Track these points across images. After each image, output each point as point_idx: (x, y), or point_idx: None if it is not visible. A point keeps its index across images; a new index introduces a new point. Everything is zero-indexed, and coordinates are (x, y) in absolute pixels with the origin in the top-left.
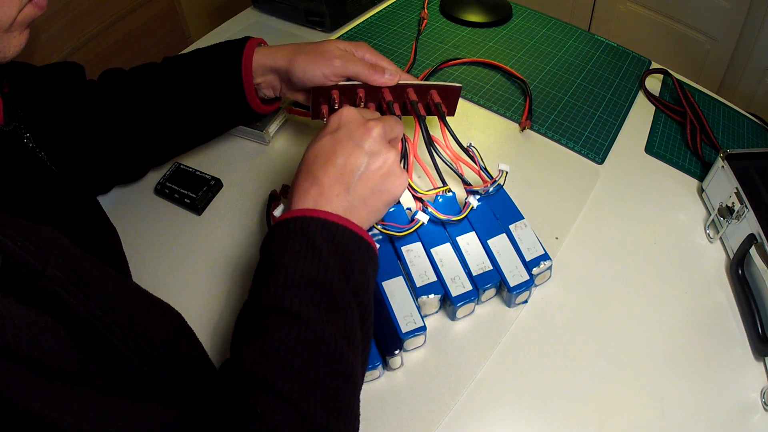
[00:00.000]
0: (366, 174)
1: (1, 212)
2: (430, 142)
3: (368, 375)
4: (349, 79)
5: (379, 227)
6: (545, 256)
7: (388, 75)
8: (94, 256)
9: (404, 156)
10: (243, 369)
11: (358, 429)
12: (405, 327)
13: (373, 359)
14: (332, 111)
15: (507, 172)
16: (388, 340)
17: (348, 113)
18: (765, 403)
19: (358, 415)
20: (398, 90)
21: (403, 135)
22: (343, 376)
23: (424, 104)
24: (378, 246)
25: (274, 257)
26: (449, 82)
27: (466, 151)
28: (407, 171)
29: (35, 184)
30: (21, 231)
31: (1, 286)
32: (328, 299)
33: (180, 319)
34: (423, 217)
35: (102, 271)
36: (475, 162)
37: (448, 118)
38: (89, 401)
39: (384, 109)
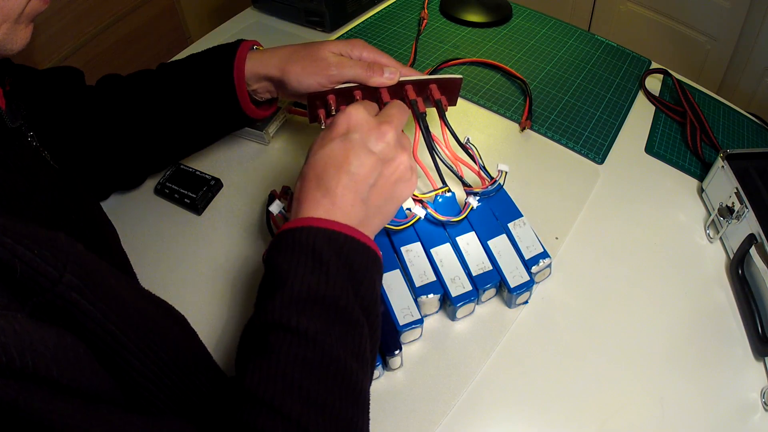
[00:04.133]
0: (380, 182)
1: (16, 220)
2: (431, 144)
3: None
4: (346, 83)
5: None
6: (544, 254)
7: (388, 74)
8: (100, 255)
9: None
10: (248, 390)
11: None
12: (402, 320)
13: None
14: (330, 116)
15: (506, 173)
16: (388, 339)
17: (357, 115)
18: (765, 403)
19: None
20: (397, 87)
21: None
22: (353, 395)
23: (423, 98)
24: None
25: (280, 271)
26: (449, 74)
27: (465, 148)
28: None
29: (41, 183)
30: (37, 239)
31: (17, 295)
32: (336, 316)
33: (185, 322)
34: (419, 212)
35: (114, 276)
36: (474, 161)
37: (448, 114)
38: (109, 420)
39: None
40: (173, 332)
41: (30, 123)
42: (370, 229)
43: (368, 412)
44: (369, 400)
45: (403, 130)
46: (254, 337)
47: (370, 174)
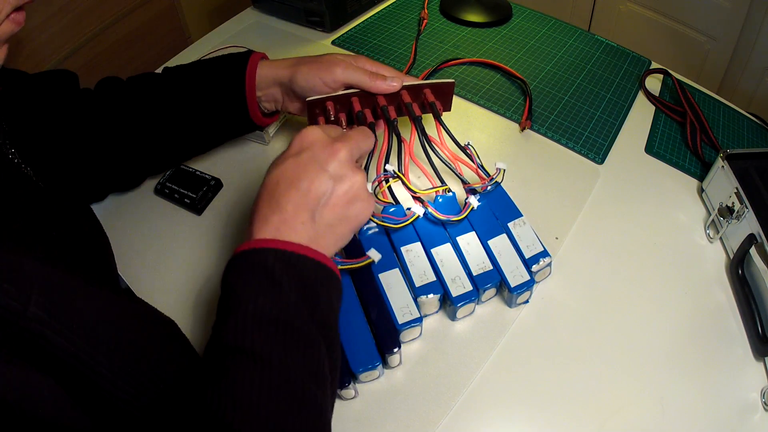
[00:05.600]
0: (332, 200)
1: None
2: (427, 143)
3: (368, 375)
4: (348, 88)
5: (375, 219)
6: (544, 253)
7: (390, 81)
8: (83, 268)
9: (373, 133)
10: (208, 415)
11: None
12: (401, 318)
13: (372, 358)
14: (328, 121)
15: (504, 170)
16: (386, 337)
17: (312, 133)
18: (765, 403)
19: None
20: (392, 94)
21: (400, 136)
22: (311, 416)
23: (419, 104)
24: (373, 229)
25: (233, 293)
26: (442, 78)
27: (463, 148)
28: (404, 173)
29: (20, 201)
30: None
31: None
32: (291, 337)
33: (171, 326)
34: (418, 210)
35: (87, 295)
36: (472, 160)
37: (444, 116)
38: None
39: (378, 114)
40: (154, 344)
41: (13, 138)
42: (322, 247)
43: (329, 427)
44: (330, 419)
45: (401, 136)
46: (212, 360)
47: (322, 191)
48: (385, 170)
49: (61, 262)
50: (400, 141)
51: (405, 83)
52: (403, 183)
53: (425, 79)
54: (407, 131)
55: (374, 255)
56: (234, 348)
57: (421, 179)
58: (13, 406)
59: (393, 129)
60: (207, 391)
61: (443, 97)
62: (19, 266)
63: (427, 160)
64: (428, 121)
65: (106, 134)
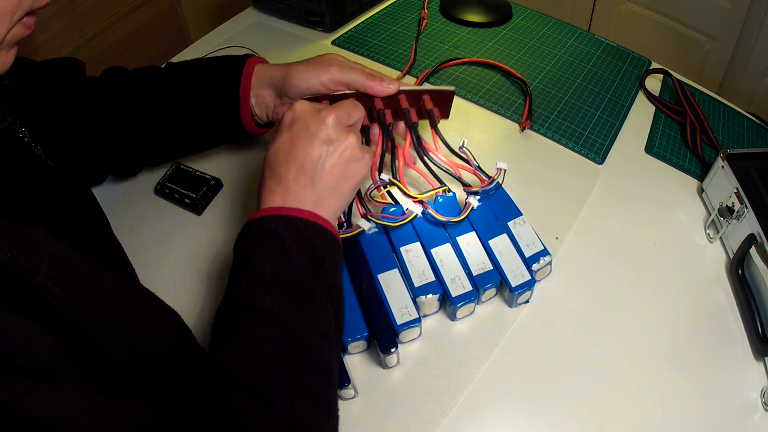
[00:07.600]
0: (327, 163)
1: None
2: (422, 150)
3: (356, 345)
4: (345, 89)
5: (374, 219)
6: (544, 252)
7: (387, 83)
8: (90, 249)
9: (367, 137)
10: (220, 367)
11: (337, 421)
12: (400, 319)
13: (359, 329)
14: None
15: (505, 170)
16: (384, 337)
17: (300, 106)
18: (765, 403)
19: (336, 408)
20: (390, 97)
21: (394, 141)
22: (318, 370)
23: (416, 109)
24: (373, 229)
25: (245, 257)
26: (443, 85)
27: (458, 155)
28: (399, 178)
29: (31, 180)
30: (11, 238)
31: None
32: (299, 296)
33: (176, 317)
34: (416, 209)
35: (94, 272)
36: (469, 163)
37: (441, 123)
38: (74, 399)
39: (375, 117)
40: (158, 326)
41: (23, 118)
42: (326, 211)
43: (335, 387)
44: (336, 374)
45: (395, 141)
46: (224, 319)
47: (316, 157)
48: (380, 179)
49: (70, 238)
50: (394, 146)
51: (403, 88)
52: (400, 190)
53: (424, 81)
54: (403, 137)
55: (364, 224)
56: (245, 305)
57: (420, 181)
58: (14, 354)
59: (387, 133)
60: (218, 347)
61: (443, 105)
62: (31, 236)
63: (424, 164)
64: (424, 127)
65: (105, 120)
